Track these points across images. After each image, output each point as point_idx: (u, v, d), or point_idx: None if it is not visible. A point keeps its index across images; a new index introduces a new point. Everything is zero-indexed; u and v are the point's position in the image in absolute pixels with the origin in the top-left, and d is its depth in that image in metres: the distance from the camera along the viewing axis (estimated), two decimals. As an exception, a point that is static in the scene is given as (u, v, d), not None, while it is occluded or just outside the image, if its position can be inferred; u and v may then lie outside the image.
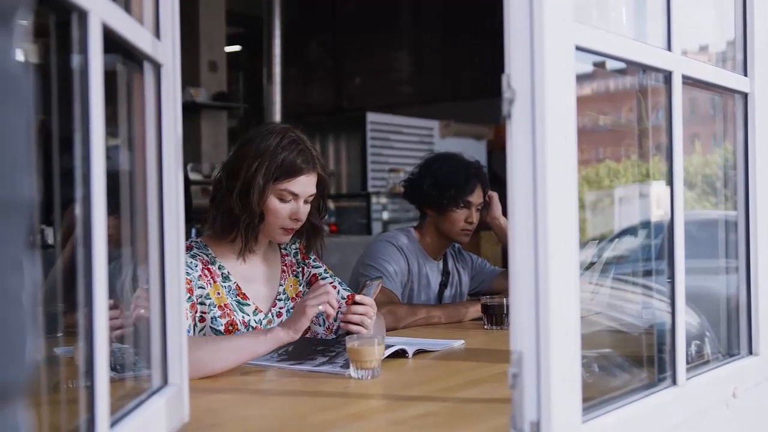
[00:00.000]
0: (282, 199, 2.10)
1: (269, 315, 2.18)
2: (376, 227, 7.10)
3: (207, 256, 2.13)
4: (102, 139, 0.98)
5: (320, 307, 1.90)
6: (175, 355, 1.33)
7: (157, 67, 1.29)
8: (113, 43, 1.06)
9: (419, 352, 2.09)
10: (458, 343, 2.26)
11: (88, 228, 0.96)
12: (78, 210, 0.97)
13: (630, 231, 2.18)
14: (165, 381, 1.32)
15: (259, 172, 2.05)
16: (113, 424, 1.04)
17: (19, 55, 0.55)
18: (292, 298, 2.26)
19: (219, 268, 2.13)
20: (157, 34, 1.29)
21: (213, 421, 1.47)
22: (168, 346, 1.32)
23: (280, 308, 2.22)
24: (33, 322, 0.55)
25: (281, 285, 2.24)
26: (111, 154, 1.03)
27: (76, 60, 0.97)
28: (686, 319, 1.49)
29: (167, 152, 1.31)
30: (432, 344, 2.18)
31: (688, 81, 1.51)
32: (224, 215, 2.11)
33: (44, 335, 1.01)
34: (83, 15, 0.95)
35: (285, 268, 2.28)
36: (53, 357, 1.34)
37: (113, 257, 1.04)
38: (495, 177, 5.23)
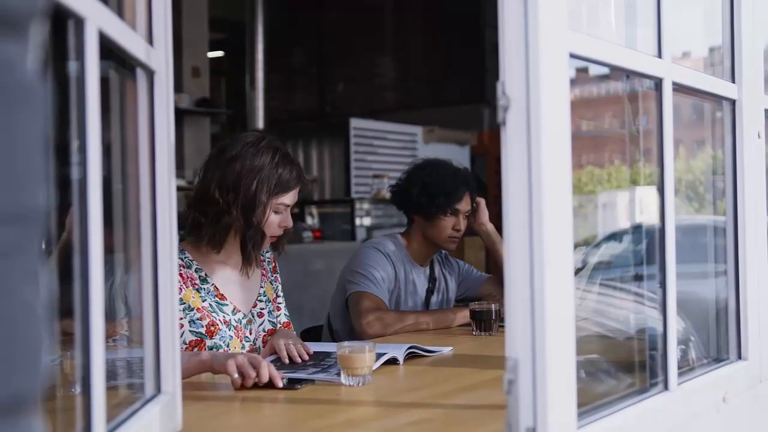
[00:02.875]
0: (276, 212, 2.18)
1: (249, 315, 2.23)
2: (360, 233, 7.08)
3: (182, 260, 2.15)
4: (98, 146, 0.97)
5: (235, 375, 1.73)
6: (168, 364, 1.32)
7: (150, 73, 1.28)
8: (107, 49, 1.06)
9: (411, 357, 2.09)
10: (447, 350, 2.26)
11: (85, 235, 0.95)
12: (74, 217, 0.96)
13: (615, 236, 2.20)
14: (158, 389, 1.31)
15: (260, 191, 2.12)
16: (109, 433, 1.03)
17: (33, 65, 0.55)
18: (272, 300, 2.33)
19: (196, 271, 2.17)
20: (150, 41, 1.29)
21: (206, 429, 1.47)
22: (161, 355, 1.31)
23: (261, 309, 2.28)
24: (47, 332, 0.55)
25: (262, 287, 2.31)
26: (102, 160, 1.02)
27: (71, 66, 0.96)
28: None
29: (160, 159, 1.30)
30: (422, 348, 2.18)
31: (677, 88, 1.52)
32: (222, 230, 2.14)
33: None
34: (80, 22, 0.94)
35: (264, 271, 2.35)
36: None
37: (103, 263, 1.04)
38: (478, 182, 5.22)
